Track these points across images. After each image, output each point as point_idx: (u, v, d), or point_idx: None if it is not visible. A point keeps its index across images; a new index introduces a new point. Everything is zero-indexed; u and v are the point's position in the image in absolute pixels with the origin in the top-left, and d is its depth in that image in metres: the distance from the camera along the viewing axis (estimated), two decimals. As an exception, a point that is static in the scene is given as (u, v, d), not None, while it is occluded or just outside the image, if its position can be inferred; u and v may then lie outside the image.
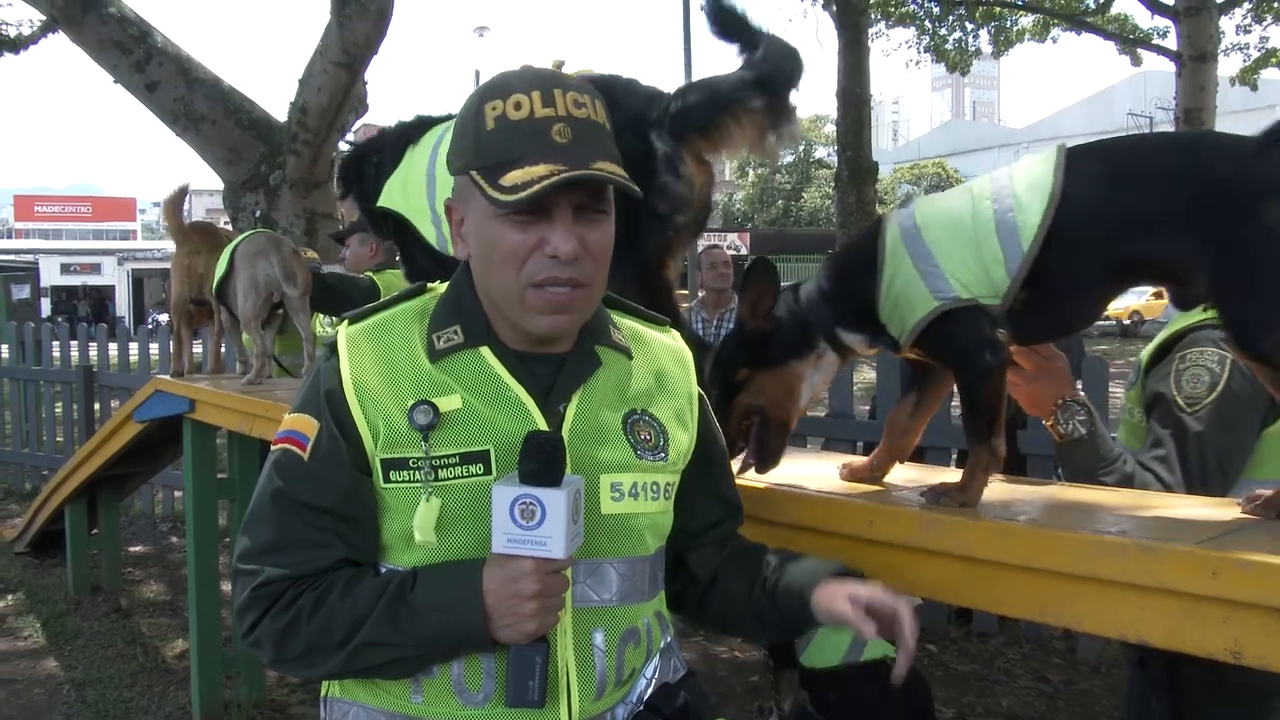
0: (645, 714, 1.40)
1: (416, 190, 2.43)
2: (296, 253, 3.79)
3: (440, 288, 1.42)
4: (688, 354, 1.51)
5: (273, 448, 1.37)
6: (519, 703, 1.26)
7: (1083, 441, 1.89)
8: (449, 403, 1.30)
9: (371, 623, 1.27)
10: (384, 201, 2.54)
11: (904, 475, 1.83)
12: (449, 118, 2.47)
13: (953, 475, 1.66)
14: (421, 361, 1.33)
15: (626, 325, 1.47)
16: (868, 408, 5.43)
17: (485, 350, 1.35)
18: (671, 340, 1.51)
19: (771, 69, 2.00)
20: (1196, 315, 1.91)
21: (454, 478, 1.29)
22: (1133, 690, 2.16)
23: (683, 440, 1.45)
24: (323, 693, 1.44)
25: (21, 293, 16.23)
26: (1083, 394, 1.94)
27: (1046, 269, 1.51)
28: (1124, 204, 1.49)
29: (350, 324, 1.37)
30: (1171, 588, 1.26)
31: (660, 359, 1.47)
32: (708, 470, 1.52)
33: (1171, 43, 22.46)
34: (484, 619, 1.24)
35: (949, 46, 21.28)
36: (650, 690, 1.42)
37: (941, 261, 1.56)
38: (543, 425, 1.31)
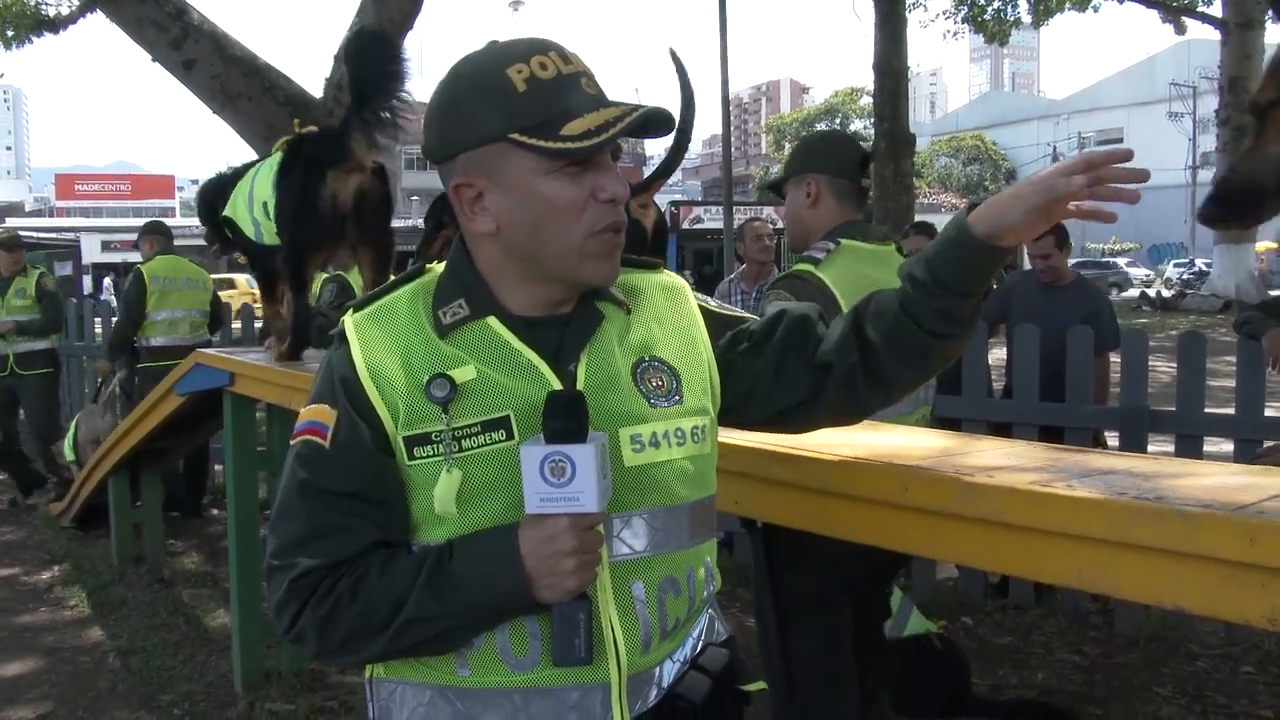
0: (693, 673, 1.41)
1: (242, 203, 3.65)
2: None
3: (438, 268, 1.42)
4: (677, 281, 1.51)
5: (292, 442, 1.38)
6: (566, 661, 1.26)
7: None
8: (464, 374, 1.31)
9: (413, 599, 1.27)
10: (226, 211, 3.77)
11: (937, 446, 1.82)
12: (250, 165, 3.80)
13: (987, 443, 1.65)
14: (431, 337, 1.34)
15: (619, 279, 1.45)
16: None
17: (492, 319, 1.35)
18: (661, 276, 1.51)
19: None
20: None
21: (477, 446, 1.30)
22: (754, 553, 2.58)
23: (700, 372, 1.44)
24: (366, 674, 1.44)
25: (64, 270, 16.43)
26: None
27: None
28: None
29: (355, 311, 1.38)
30: (1208, 554, 1.25)
31: (655, 301, 1.47)
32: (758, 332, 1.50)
33: (1217, 10, 22.08)
34: (525, 581, 1.24)
35: (987, 17, 20.99)
36: (696, 650, 1.43)
37: None
38: (557, 386, 1.32)
